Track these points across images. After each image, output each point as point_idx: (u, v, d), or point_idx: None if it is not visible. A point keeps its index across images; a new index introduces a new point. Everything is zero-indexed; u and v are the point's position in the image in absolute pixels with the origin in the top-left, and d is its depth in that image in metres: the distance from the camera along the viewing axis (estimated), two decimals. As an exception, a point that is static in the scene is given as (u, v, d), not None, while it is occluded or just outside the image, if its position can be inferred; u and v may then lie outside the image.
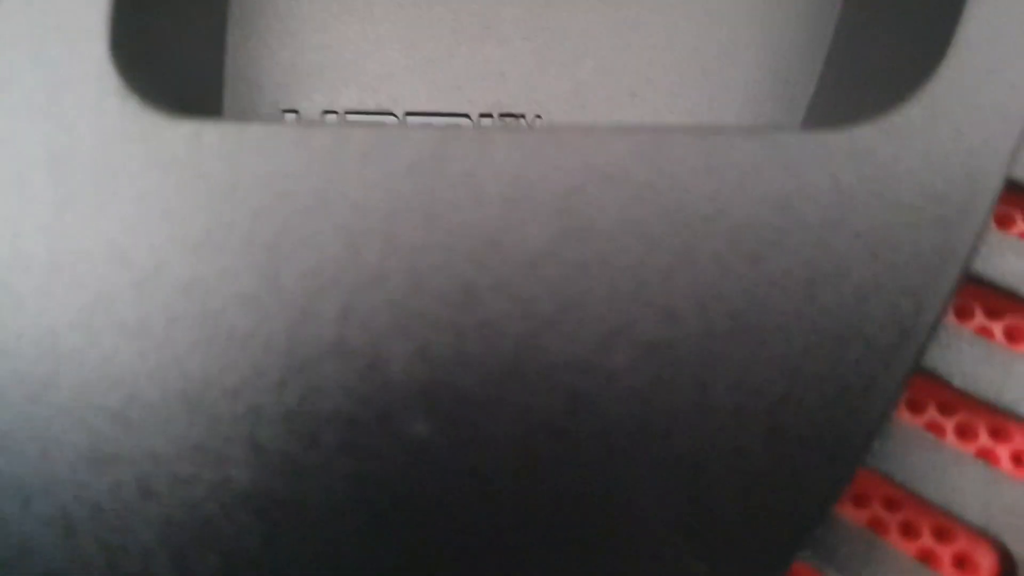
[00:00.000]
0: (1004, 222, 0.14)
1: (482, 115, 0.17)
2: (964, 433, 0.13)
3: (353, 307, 0.12)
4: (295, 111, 0.17)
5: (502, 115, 0.17)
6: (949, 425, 0.13)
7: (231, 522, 0.12)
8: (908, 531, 0.13)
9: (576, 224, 0.12)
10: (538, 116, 0.17)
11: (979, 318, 0.14)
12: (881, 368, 0.12)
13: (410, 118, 0.17)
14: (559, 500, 0.12)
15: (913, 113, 0.13)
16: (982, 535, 0.13)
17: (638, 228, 0.12)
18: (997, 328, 0.14)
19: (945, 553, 0.13)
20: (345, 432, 0.12)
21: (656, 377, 0.12)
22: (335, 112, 0.17)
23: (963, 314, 0.14)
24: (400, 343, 0.12)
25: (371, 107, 0.17)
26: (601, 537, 0.12)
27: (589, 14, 0.17)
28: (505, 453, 0.12)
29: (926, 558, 0.13)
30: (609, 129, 0.13)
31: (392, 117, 0.17)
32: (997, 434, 0.13)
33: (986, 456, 0.13)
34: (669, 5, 0.17)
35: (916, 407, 0.13)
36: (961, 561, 0.13)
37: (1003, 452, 0.13)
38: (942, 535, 0.13)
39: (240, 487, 0.12)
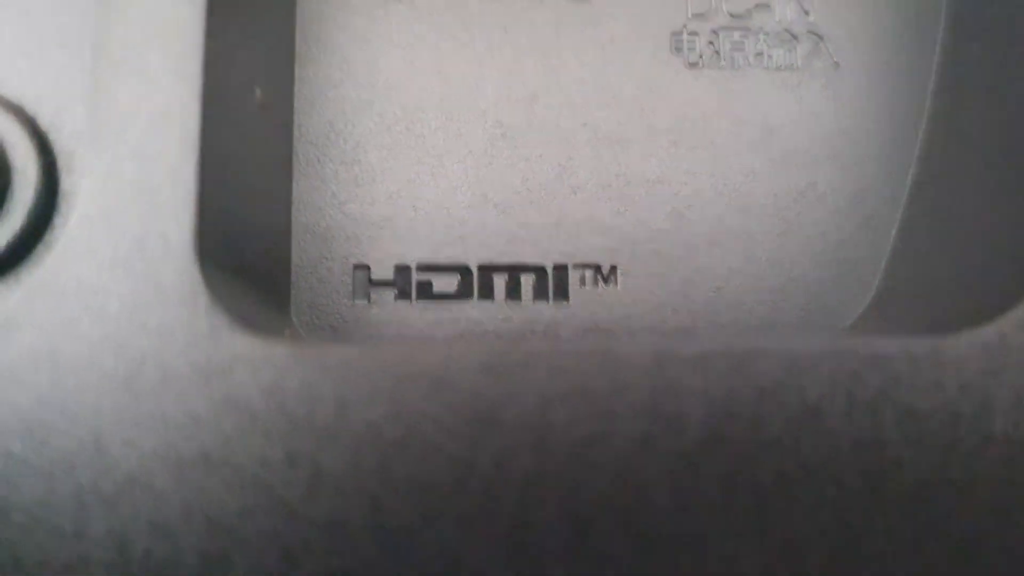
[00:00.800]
0: None
1: (556, 266, 0.17)
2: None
3: (463, 537, 0.12)
4: (366, 266, 0.16)
5: (576, 265, 0.17)
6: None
7: None
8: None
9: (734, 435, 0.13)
10: (613, 267, 0.17)
11: None
12: None
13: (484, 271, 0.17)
14: None
15: None
16: None
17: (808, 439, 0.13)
18: None
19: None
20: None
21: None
22: (407, 266, 0.16)
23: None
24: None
25: (443, 260, 0.17)
26: None
27: (665, 161, 0.17)
28: None
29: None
30: (750, 348, 0.13)
31: (467, 270, 0.17)
32: None
33: None
34: (744, 151, 0.17)
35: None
36: None
37: None
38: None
39: None
